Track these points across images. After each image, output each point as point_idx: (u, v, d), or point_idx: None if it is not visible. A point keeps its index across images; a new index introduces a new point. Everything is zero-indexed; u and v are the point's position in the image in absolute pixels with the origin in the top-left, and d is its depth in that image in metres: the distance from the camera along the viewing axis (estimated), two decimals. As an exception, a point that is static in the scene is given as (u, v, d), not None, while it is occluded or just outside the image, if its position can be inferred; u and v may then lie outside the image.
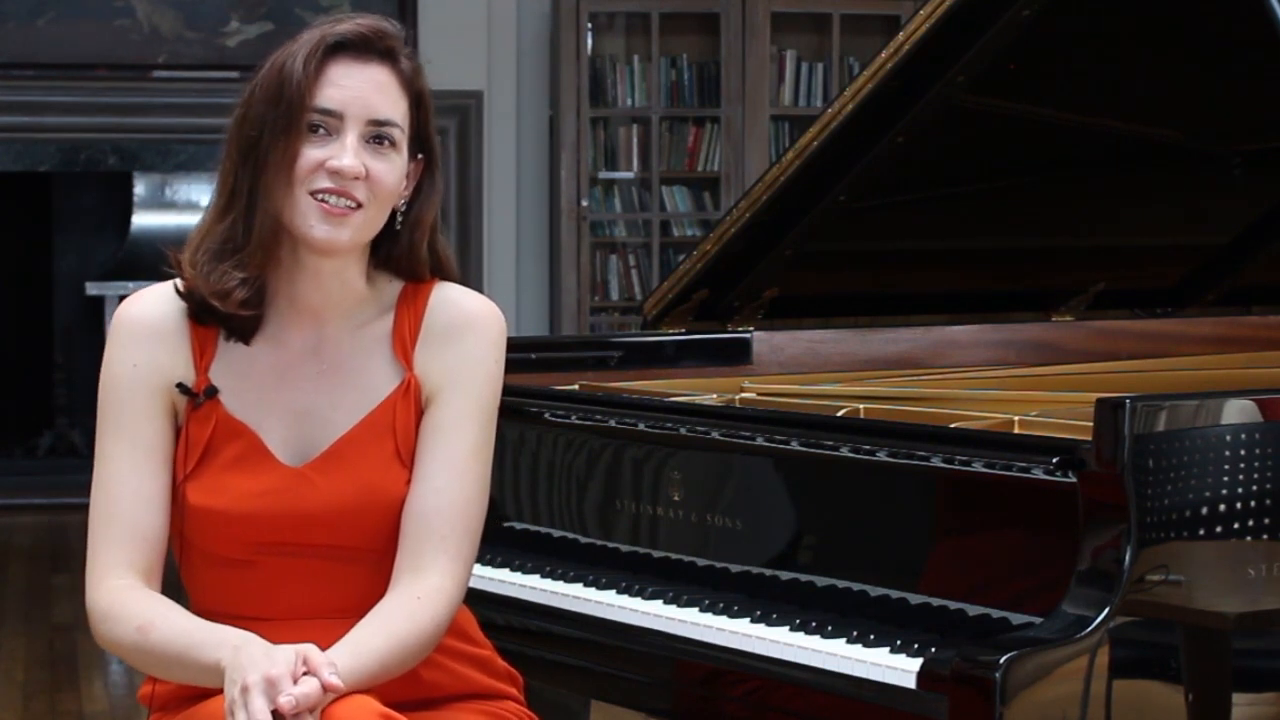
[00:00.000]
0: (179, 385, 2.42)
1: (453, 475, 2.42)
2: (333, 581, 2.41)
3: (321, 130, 2.38)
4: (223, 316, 2.41)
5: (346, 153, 2.37)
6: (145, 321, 2.43)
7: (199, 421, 2.41)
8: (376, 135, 2.40)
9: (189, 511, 2.39)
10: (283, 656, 2.22)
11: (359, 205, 2.39)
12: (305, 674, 2.22)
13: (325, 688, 2.21)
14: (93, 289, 9.62)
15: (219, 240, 2.40)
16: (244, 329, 2.43)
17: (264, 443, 2.41)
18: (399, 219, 2.46)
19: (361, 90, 2.39)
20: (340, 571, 2.41)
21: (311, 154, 2.38)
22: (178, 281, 2.44)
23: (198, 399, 2.41)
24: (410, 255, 2.48)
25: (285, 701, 2.18)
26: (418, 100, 2.45)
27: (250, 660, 2.22)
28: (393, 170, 2.41)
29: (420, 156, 2.47)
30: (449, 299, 2.49)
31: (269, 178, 2.37)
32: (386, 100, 2.41)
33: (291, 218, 2.38)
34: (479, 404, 2.46)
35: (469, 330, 2.47)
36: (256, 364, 2.44)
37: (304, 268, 2.43)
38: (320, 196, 2.38)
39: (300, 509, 2.39)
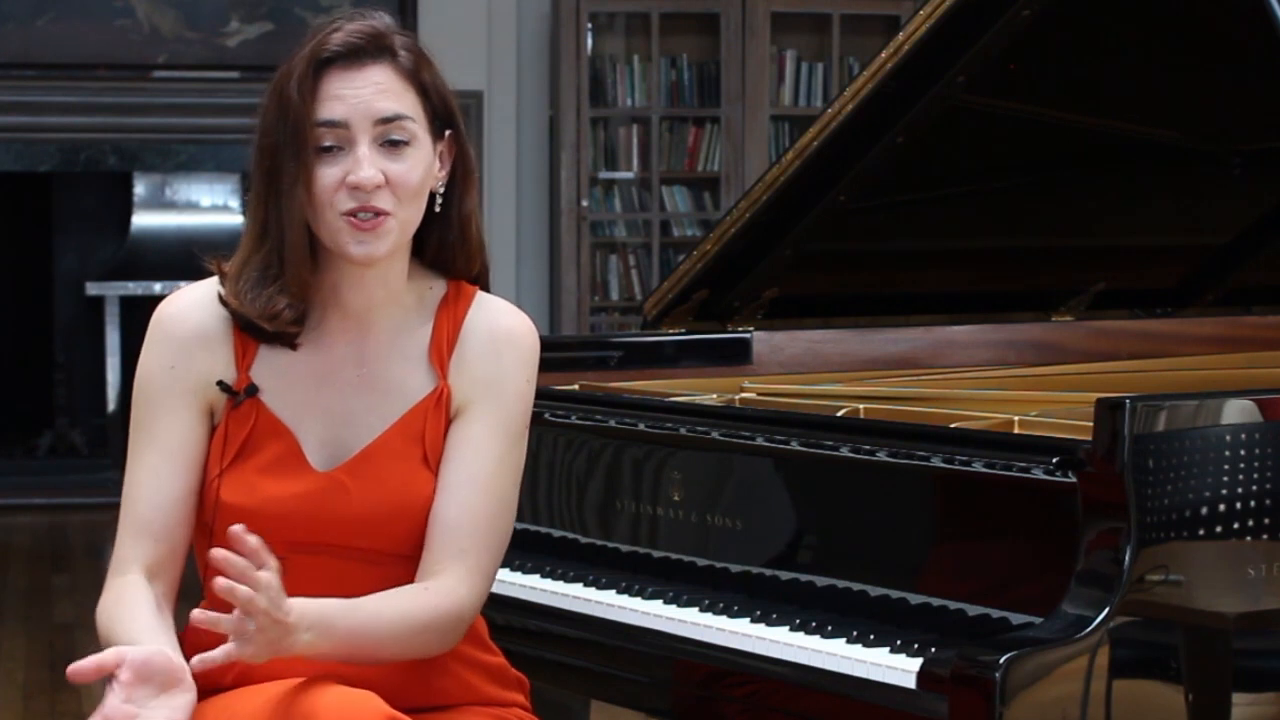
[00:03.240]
0: (219, 383, 2.41)
1: (476, 489, 2.41)
2: (361, 583, 2.38)
3: (334, 146, 2.37)
4: (270, 335, 2.41)
5: (362, 164, 2.35)
6: (186, 323, 2.43)
7: (238, 420, 2.40)
8: (388, 134, 2.38)
9: (221, 508, 2.38)
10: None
11: (388, 212, 2.38)
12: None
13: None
14: (93, 289, 9.62)
15: (259, 268, 2.40)
16: (291, 339, 2.43)
17: (300, 445, 2.40)
18: (438, 201, 2.45)
19: (361, 95, 2.37)
20: (369, 573, 2.39)
21: (329, 173, 2.36)
22: (221, 289, 2.43)
23: (238, 397, 2.41)
24: (462, 241, 2.47)
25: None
26: (425, 88, 2.42)
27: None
28: (413, 167, 2.39)
29: (449, 133, 2.44)
30: (488, 311, 2.48)
31: (290, 203, 2.36)
32: (389, 97, 2.38)
33: (326, 239, 2.38)
34: (508, 419, 2.44)
35: (503, 345, 2.46)
36: (298, 366, 2.43)
37: (346, 275, 2.42)
38: (348, 216, 2.36)
39: (331, 512, 2.38)
